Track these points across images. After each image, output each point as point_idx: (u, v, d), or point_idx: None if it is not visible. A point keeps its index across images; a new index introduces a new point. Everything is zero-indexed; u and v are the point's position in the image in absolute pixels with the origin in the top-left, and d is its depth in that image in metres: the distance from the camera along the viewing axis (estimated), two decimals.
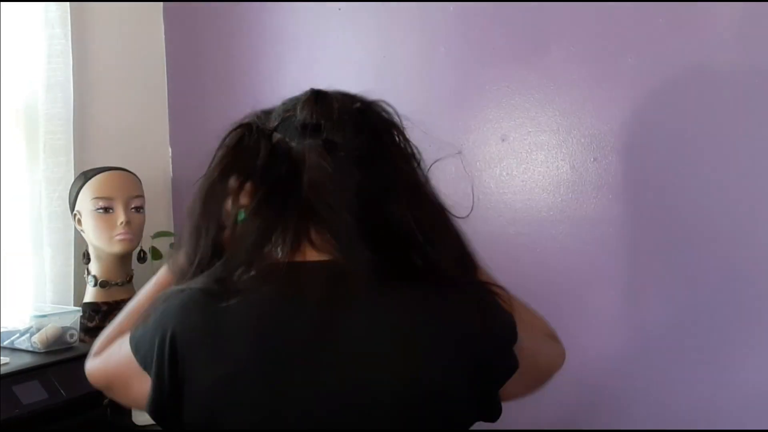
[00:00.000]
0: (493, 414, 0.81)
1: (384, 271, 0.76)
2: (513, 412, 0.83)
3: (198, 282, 0.78)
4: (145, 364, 0.78)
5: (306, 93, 0.83)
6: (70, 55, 1.73)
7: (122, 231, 1.61)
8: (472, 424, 0.80)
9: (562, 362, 0.93)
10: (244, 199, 0.79)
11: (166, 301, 0.79)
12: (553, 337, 0.95)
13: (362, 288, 0.75)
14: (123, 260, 1.68)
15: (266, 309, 0.76)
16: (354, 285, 0.75)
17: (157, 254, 1.73)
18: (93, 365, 0.91)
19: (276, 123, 0.83)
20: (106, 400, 1.38)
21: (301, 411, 0.74)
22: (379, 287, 0.76)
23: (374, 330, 0.75)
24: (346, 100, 0.83)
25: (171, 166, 2.08)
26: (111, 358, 0.87)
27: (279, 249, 0.78)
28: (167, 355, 0.75)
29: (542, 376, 0.91)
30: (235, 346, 0.74)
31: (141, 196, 1.69)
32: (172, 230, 1.99)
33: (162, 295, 0.81)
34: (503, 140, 1.46)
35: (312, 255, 0.78)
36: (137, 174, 1.72)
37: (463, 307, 0.78)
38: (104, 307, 1.65)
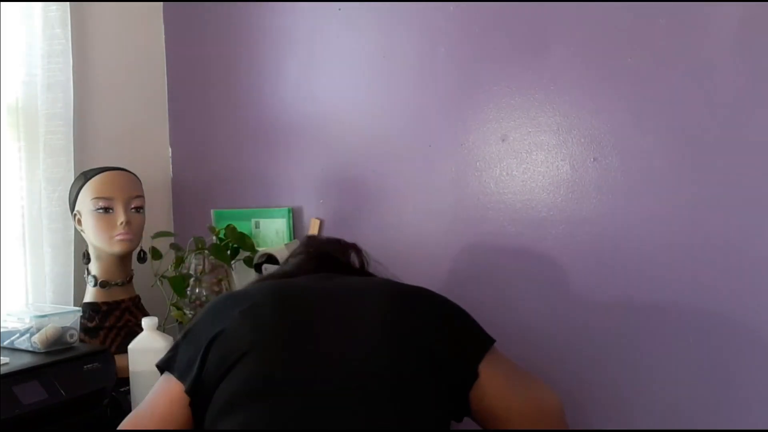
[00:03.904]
0: (458, 414, 1.00)
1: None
2: None
3: None
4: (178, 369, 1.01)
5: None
6: (70, 55, 1.73)
7: (122, 231, 1.61)
8: (446, 417, 0.96)
9: (559, 403, 1.03)
10: None
11: None
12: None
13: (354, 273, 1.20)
14: (123, 260, 1.68)
15: (282, 280, 1.14)
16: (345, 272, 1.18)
17: (157, 254, 1.73)
18: None
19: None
20: (106, 400, 1.38)
21: (304, 349, 0.95)
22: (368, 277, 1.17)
23: (364, 300, 1.02)
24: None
25: (171, 166, 2.08)
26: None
27: None
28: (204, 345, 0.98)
29: (538, 410, 1.01)
30: (255, 295, 1.03)
31: (141, 196, 1.69)
32: (172, 230, 1.98)
33: None
34: (503, 140, 1.46)
35: None
36: (137, 174, 1.72)
37: (435, 313, 1.04)
38: (104, 307, 1.65)
